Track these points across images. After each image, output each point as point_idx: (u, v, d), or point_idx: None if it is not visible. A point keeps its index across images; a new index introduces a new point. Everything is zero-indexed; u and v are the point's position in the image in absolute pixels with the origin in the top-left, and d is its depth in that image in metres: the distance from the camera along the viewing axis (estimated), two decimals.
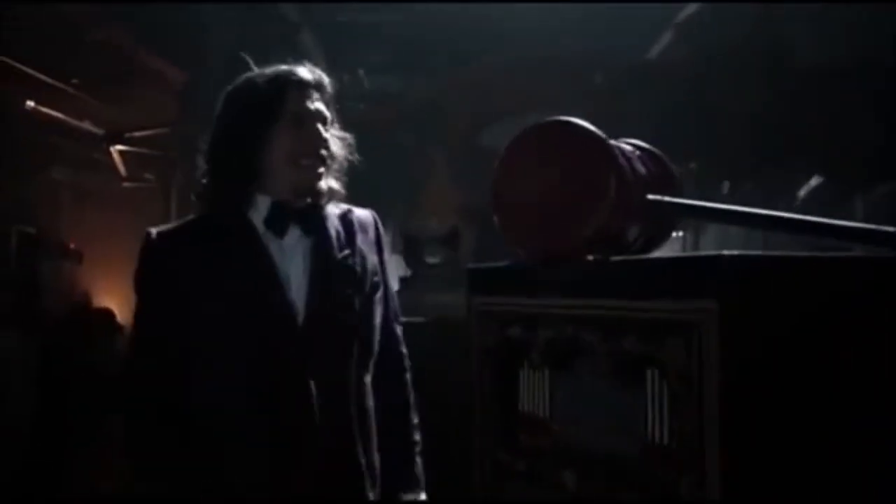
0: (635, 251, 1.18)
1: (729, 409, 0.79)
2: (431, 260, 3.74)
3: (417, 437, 1.65)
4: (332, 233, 1.54)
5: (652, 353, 0.89)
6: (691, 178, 4.02)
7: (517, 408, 1.10)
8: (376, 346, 1.57)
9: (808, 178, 4.00)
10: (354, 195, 1.64)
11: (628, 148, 1.17)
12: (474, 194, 3.60)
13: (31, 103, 3.51)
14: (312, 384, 1.44)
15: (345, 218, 1.59)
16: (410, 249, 3.75)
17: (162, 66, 4.07)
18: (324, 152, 1.50)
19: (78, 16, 3.56)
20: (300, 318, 1.46)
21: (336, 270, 1.51)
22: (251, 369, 1.43)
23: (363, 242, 1.58)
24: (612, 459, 0.95)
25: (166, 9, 3.62)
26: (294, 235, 1.50)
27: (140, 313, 1.52)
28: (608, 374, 0.96)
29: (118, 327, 4.04)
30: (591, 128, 1.06)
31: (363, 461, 1.49)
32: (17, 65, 3.39)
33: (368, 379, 1.55)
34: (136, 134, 3.40)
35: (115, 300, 4.29)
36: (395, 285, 1.72)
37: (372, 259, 1.59)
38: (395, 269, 1.72)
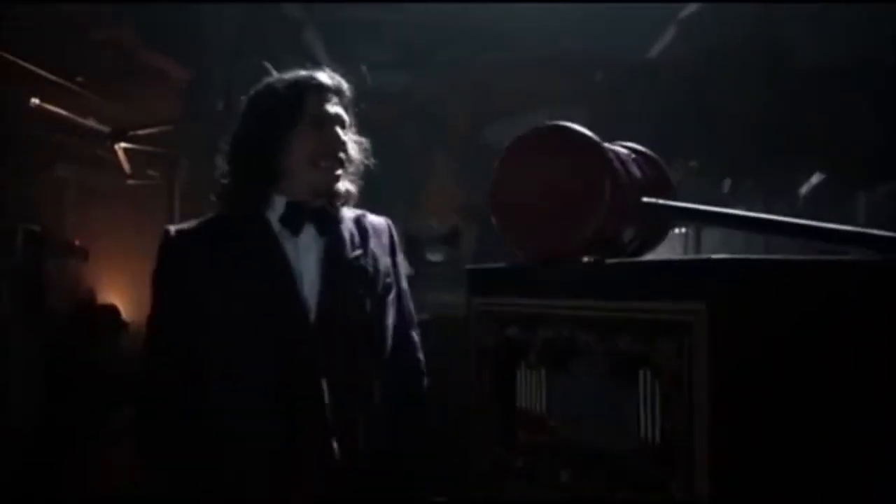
0: (631, 252, 1.20)
1: (717, 409, 0.81)
2: (433, 259, 3.75)
3: (427, 442, 1.66)
4: (346, 234, 1.58)
5: (645, 354, 0.91)
6: (691, 176, 4.03)
7: (515, 406, 1.12)
8: (388, 347, 1.59)
9: (809, 176, 4.00)
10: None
11: (624, 151, 1.19)
12: (475, 193, 3.62)
13: (35, 100, 3.53)
14: (324, 382, 1.46)
15: (359, 221, 1.63)
16: (412, 248, 3.77)
17: (165, 65, 4.08)
18: (342, 154, 1.54)
19: (80, 14, 3.57)
20: (312, 315, 1.49)
21: (348, 270, 1.54)
22: (264, 366, 1.45)
23: (376, 245, 1.62)
24: (608, 457, 0.97)
25: (168, 8, 3.64)
26: (309, 235, 1.54)
27: (157, 309, 1.55)
28: (604, 374, 0.98)
29: (123, 324, 4.06)
30: (587, 132, 1.08)
31: (371, 462, 1.51)
32: (21, 62, 3.40)
33: (381, 379, 1.56)
34: (141, 132, 3.41)
35: (121, 296, 4.31)
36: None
37: (385, 261, 1.62)
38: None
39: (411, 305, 1.70)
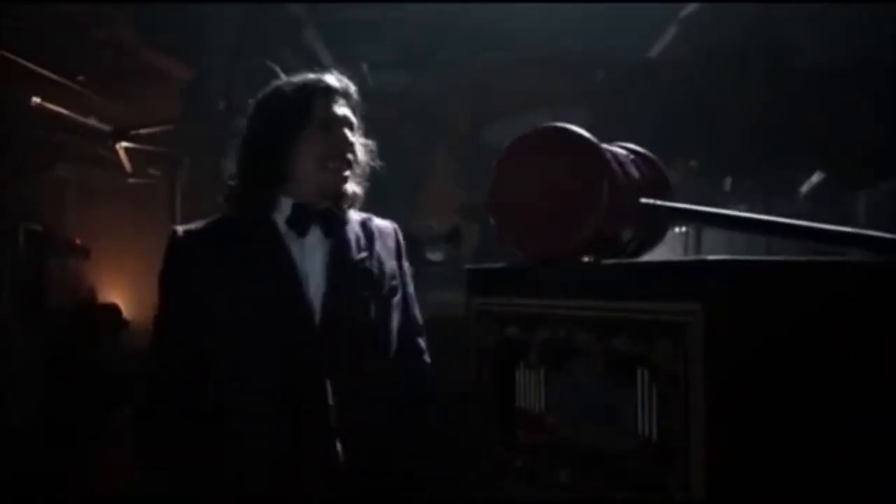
0: (630, 253, 1.21)
1: (713, 409, 0.82)
2: (433, 258, 3.76)
3: (431, 447, 1.66)
4: (352, 237, 1.59)
5: (642, 354, 0.92)
6: (692, 176, 4.04)
7: (515, 406, 1.13)
8: (393, 349, 1.59)
9: (809, 175, 4.00)
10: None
11: (622, 152, 1.19)
12: (475, 193, 3.62)
13: (36, 99, 3.53)
14: (329, 384, 1.46)
15: (365, 225, 1.64)
16: (412, 248, 3.77)
17: (166, 64, 4.09)
18: (350, 156, 1.55)
19: (81, 14, 3.58)
20: (317, 317, 1.49)
21: (353, 272, 1.55)
22: (268, 367, 1.46)
23: (382, 248, 1.63)
24: (606, 457, 0.98)
25: (169, 7, 3.64)
26: (315, 236, 1.55)
27: (163, 309, 1.56)
28: (602, 374, 0.99)
29: (124, 323, 4.07)
30: (585, 134, 1.09)
31: (374, 464, 1.50)
32: (22, 61, 3.41)
33: (386, 382, 1.56)
34: (142, 131, 3.42)
35: (121, 295, 4.32)
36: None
37: (390, 264, 1.62)
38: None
39: (418, 310, 1.70)
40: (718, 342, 0.82)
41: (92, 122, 3.73)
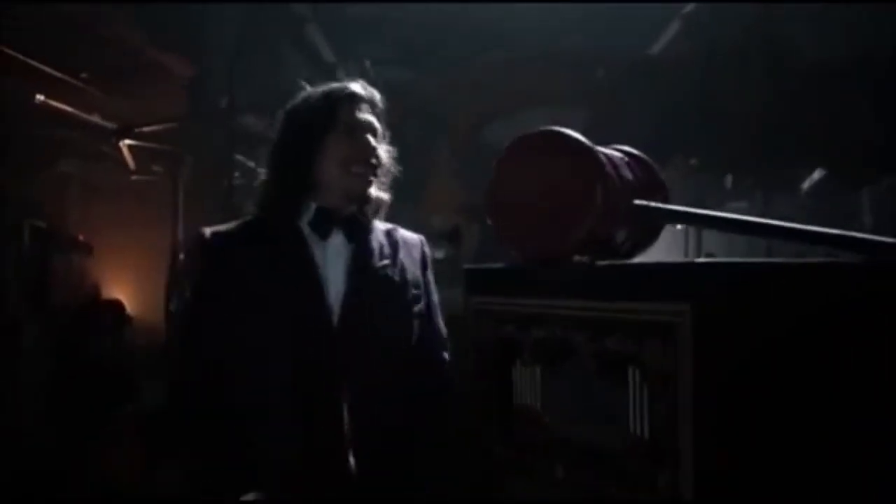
0: (624, 253, 1.23)
1: (701, 407, 0.84)
2: (434, 256, 3.77)
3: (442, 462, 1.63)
4: (375, 244, 1.60)
5: (634, 353, 0.94)
6: (692, 174, 4.05)
7: (512, 404, 1.15)
8: (412, 358, 1.58)
9: (811, 172, 4.01)
10: None
11: (617, 155, 1.21)
12: (476, 193, 3.63)
13: (40, 97, 3.56)
14: (343, 389, 1.46)
15: (390, 234, 1.66)
16: None
17: (169, 62, 4.11)
18: (373, 161, 1.57)
19: (82, 14, 3.60)
20: (335, 320, 1.50)
21: (374, 277, 1.56)
22: (283, 368, 1.46)
23: (406, 257, 1.63)
24: (600, 454, 1.00)
25: (170, 7, 3.66)
26: (338, 241, 1.56)
27: (191, 309, 1.58)
28: (595, 373, 1.01)
29: (127, 319, 4.10)
30: (580, 138, 1.11)
31: (384, 471, 1.50)
32: (26, 59, 3.43)
33: (402, 389, 1.55)
34: (145, 129, 3.44)
35: (124, 291, 4.36)
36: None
37: (414, 273, 1.63)
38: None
39: (441, 322, 1.68)
40: (707, 342, 0.84)
41: (95, 119, 3.75)
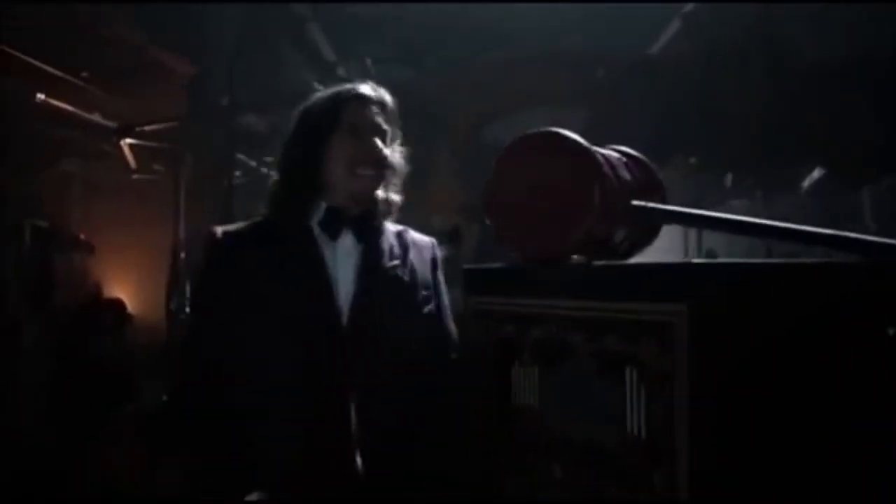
0: (622, 253, 1.23)
1: (698, 407, 0.84)
2: None
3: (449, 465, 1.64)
4: (385, 245, 1.60)
5: (631, 353, 0.95)
6: (692, 173, 4.05)
7: (511, 404, 1.15)
8: (420, 359, 1.56)
9: (811, 171, 4.01)
10: None
11: (615, 155, 1.22)
12: (476, 193, 3.63)
13: (41, 96, 3.57)
14: (350, 389, 1.45)
15: (401, 236, 1.66)
16: None
17: (169, 61, 4.12)
18: (380, 162, 1.56)
19: (82, 14, 3.61)
20: (344, 320, 1.50)
21: (384, 278, 1.56)
22: (290, 368, 1.45)
23: (416, 259, 1.63)
24: (597, 453, 1.00)
25: (170, 6, 3.67)
26: (348, 241, 1.57)
27: (200, 308, 1.59)
28: (593, 373, 1.01)
29: (128, 318, 4.10)
30: (578, 139, 1.11)
31: (390, 472, 1.49)
32: (26, 58, 3.44)
33: (409, 389, 1.53)
34: (146, 128, 3.45)
35: (126, 290, 4.37)
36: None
37: (424, 275, 1.62)
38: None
39: (452, 323, 1.66)
40: (704, 342, 0.85)
41: (96, 118, 3.77)
